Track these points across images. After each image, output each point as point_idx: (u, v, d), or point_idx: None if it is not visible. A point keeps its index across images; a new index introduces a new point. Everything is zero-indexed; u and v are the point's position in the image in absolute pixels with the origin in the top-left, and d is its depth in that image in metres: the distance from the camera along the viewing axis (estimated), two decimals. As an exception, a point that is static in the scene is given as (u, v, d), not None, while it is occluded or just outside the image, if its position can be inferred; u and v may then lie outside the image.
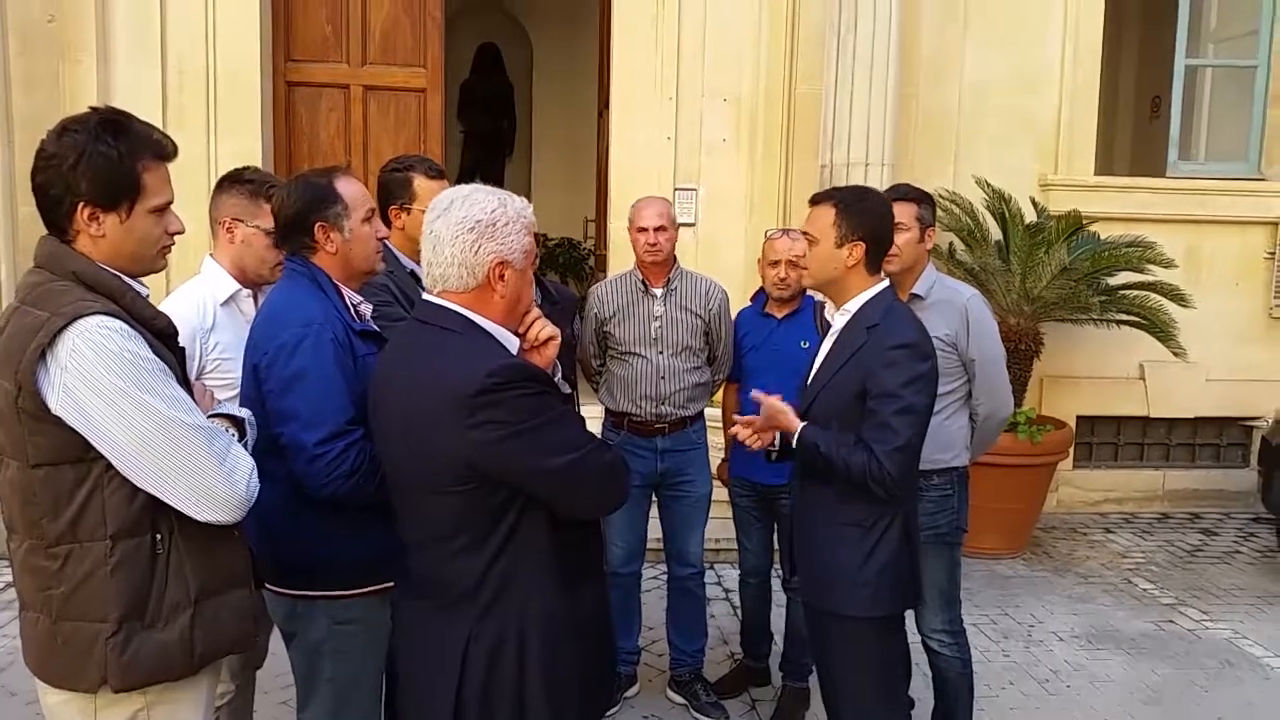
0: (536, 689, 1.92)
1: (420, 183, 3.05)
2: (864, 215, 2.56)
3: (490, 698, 1.91)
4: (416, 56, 6.01)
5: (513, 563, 1.91)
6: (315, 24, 5.91)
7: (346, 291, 2.44)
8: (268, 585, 2.43)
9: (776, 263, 3.61)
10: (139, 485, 1.78)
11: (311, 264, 2.41)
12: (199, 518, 1.81)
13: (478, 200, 1.94)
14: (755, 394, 2.69)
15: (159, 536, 1.82)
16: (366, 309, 2.49)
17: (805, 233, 2.65)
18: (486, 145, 9.94)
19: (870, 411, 2.47)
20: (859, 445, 2.47)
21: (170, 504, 1.79)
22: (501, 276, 1.94)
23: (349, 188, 2.43)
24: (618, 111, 5.98)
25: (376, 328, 2.45)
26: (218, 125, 5.60)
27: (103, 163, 1.80)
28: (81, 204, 1.80)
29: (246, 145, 5.58)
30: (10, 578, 4.75)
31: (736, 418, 2.80)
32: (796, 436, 2.57)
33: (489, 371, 1.82)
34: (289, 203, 2.40)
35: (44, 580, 1.81)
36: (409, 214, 3.02)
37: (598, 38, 6.67)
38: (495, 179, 9.60)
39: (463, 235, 1.91)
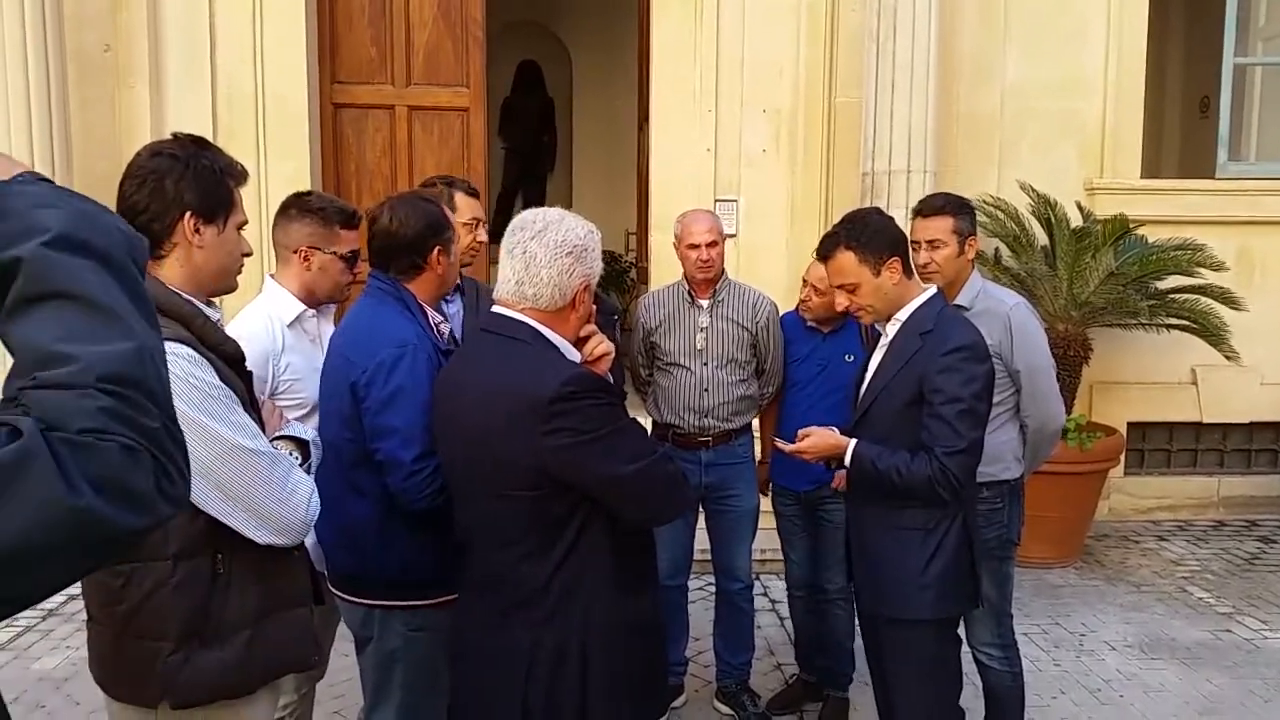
0: (599, 693, 1.98)
1: (461, 199, 3.12)
2: (877, 234, 2.60)
3: (555, 703, 1.97)
4: (459, 76, 6.10)
5: (578, 568, 1.98)
6: (361, 46, 6.02)
7: (430, 311, 2.48)
8: (342, 594, 2.49)
9: (805, 284, 3.62)
10: (201, 509, 1.81)
11: (400, 285, 2.44)
12: (259, 540, 1.85)
13: (572, 225, 2.04)
14: (780, 444, 2.75)
15: (219, 556, 1.86)
16: (446, 328, 2.53)
17: (841, 286, 2.65)
18: (527, 160, 10.03)
19: (932, 416, 2.49)
20: (919, 454, 2.48)
21: (231, 526, 1.83)
22: (584, 299, 2.04)
23: (449, 213, 2.57)
24: (657, 124, 6.01)
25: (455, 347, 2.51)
26: (267, 147, 5.73)
27: (207, 175, 1.90)
28: (189, 214, 1.88)
29: (295, 166, 5.69)
30: (72, 591, 4.92)
31: (778, 442, 2.82)
32: (849, 454, 2.59)
33: (564, 380, 1.90)
34: (409, 224, 2.42)
35: (108, 596, 1.86)
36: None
37: (637, 52, 6.71)
38: (537, 193, 9.68)
39: (561, 259, 2.00)
